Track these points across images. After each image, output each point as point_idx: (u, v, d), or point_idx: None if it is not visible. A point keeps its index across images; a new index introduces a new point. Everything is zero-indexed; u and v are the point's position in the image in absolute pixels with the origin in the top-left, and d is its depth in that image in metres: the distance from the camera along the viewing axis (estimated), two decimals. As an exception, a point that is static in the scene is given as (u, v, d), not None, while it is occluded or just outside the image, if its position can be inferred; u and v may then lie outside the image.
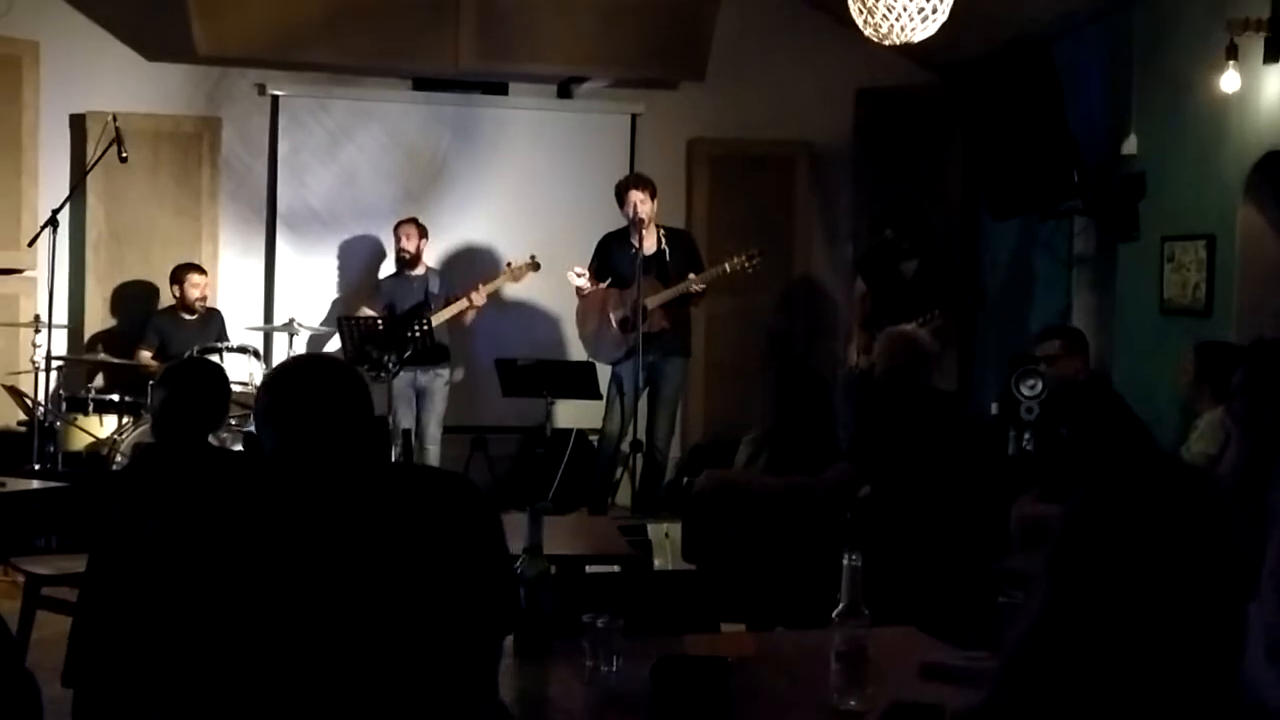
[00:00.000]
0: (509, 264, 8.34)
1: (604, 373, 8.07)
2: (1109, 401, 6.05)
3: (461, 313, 8.27)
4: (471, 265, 9.04)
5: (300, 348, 8.34)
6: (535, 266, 8.26)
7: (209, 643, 1.98)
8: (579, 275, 7.93)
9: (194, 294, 8.32)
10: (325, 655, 1.99)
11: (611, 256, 7.97)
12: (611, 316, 7.92)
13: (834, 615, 2.73)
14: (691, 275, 7.81)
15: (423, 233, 8.48)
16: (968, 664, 2.98)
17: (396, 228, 8.47)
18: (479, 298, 8.25)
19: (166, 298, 8.54)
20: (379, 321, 8.10)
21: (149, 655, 2.02)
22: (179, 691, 2.00)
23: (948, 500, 4.72)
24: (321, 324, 8.69)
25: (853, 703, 2.70)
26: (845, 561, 2.73)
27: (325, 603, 2.01)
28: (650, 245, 7.87)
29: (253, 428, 7.88)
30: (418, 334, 7.94)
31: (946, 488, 4.74)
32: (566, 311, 8.49)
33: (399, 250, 8.44)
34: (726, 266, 7.82)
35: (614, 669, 2.89)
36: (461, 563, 2.14)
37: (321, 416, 2.21)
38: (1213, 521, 1.61)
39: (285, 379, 2.33)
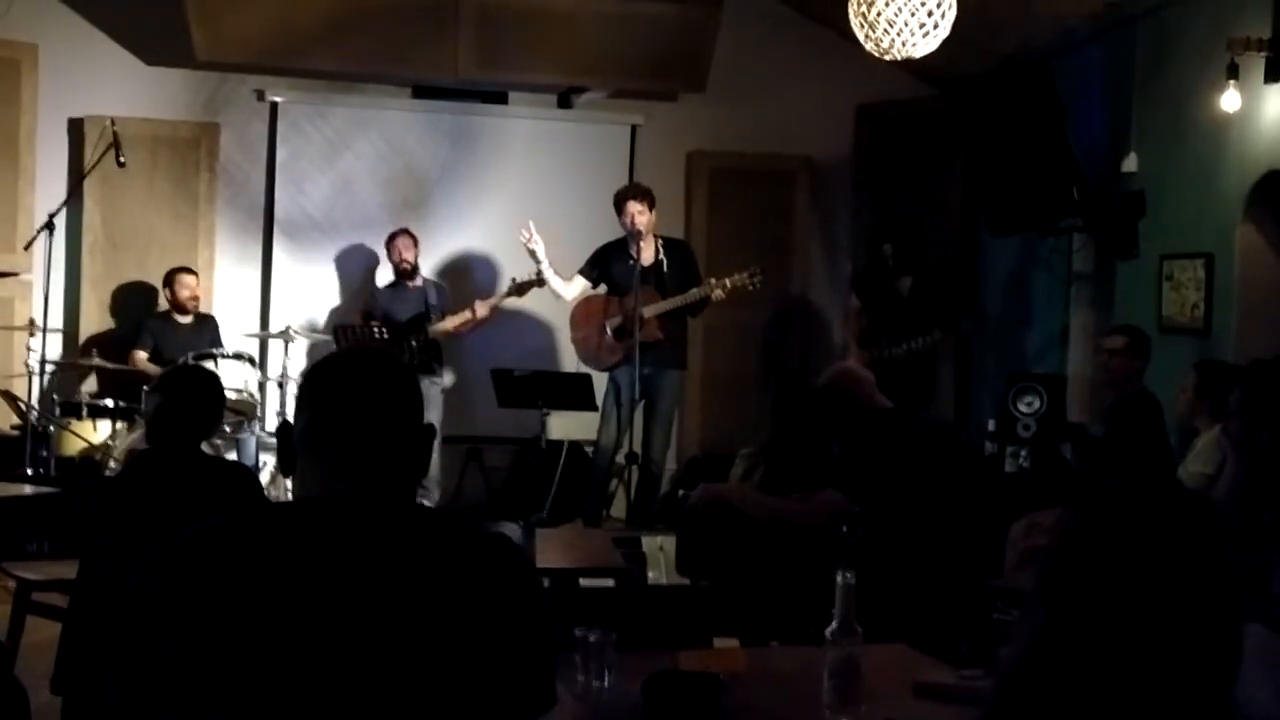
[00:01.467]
0: (514, 279, 8.28)
1: (599, 384, 8.06)
2: (1149, 420, 6.06)
3: (461, 324, 8.26)
4: (469, 274, 9.04)
5: (296, 355, 8.32)
6: (541, 283, 8.21)
7: (197, 703, 1.78)
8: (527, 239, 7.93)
9: (184, 294, 8.31)
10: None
11: (610, 266, 7.96)
12: (606, 325, 7.92)
13: (827, 632, 2.71)
14: (694, 290, 7.81)
15: (415, 242, 8.48)
16: (962, 683, 2.97)
17: (391, 241, 8.44)
18: (482, 309, 8.24)
19: (162, 303, 8.51)
20: (379, 331, 8.09)
21: (134, 696, 1.88)
22: None
23: (939, 519, 4.71)
24: (316, 332, 8.66)
25: (845, 720, 2.68)
26: (839, 579, 2.71)
27: (331, 668, 1.79)
28: (648, 256, 7.87)
29: (246, 434, 7.89)
30: (416, 346, 7.93)
31: (937, 507, 4.72)
32: (562, 322, 8.47)
33: (399, 263, 8.41)
34: (728, 282, 7.81)
35: (606, 684, 2.88)
36: (493, 639, 1.88)
37: (358, 409, 1.96)
38: (1205, 545, 1.60)
39: (326, 365, 2.06)
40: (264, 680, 1.78)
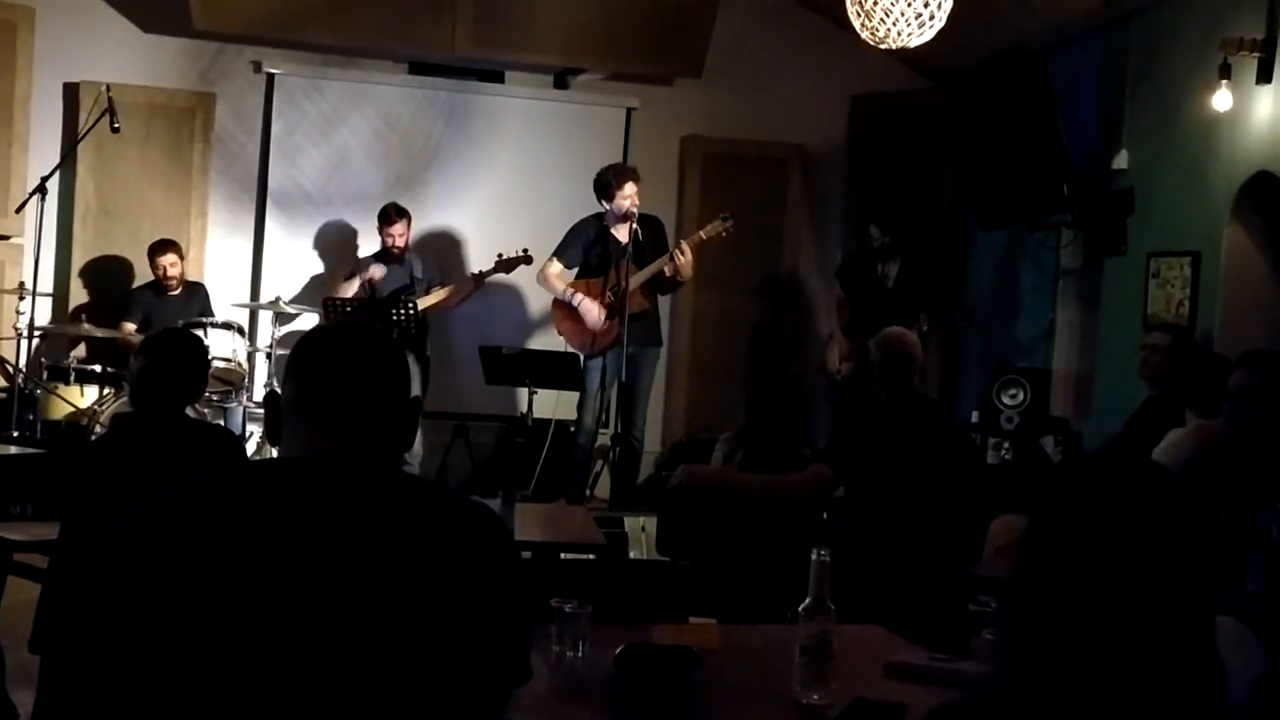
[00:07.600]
0: (500, 255, 8.29)
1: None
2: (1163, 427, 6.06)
3: (447, 297, 8.28)
4: (460, 252, 9.05)
5: (285, 326, 8.31)
6: (527, 260, 8.22)
7: (170, 659, 1.78)
8: (574, 296, 7.94)
9: (158, 271, 8.28)
10: (304, 687, 1.79)
11: (593, 248, 7.97)
12: (593, 309, 7.93)
13: (800, 610, 2.74)
14: (681, 241, 7.89)
15: (408, 221, 8.42)
16: (932, 664, 3.00)
17: (388, 225, 8.31)
18: (468, 285, 8.26)
19: (149, 274, 8.49)
20: (369, 292, 8.11)
21: (107, 657, 1.88)
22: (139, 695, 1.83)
23: (923, 504, 4.74)
24: (303, 303, 8.63)
25: (815, 697, 2.71)
26: (814, 556, 2.74)
27: (306, 626, 1.80)
28: (626, 234, 7.88)
29: (234, 404, 7.90)
30: (403, 317, 7.92)
31: (922, 491, 4.75)
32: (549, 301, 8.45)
33: (390, 246, 8.38)
34: (702, 234, 7.93)
35: (580, 654, 2.91)
36: (470, 609, 1.88)
37: (347, 376, 1.99)
38: (1165, 506, 1.66)
39: (316, 334, 2.09)
40: (239, 634, 1.78)
